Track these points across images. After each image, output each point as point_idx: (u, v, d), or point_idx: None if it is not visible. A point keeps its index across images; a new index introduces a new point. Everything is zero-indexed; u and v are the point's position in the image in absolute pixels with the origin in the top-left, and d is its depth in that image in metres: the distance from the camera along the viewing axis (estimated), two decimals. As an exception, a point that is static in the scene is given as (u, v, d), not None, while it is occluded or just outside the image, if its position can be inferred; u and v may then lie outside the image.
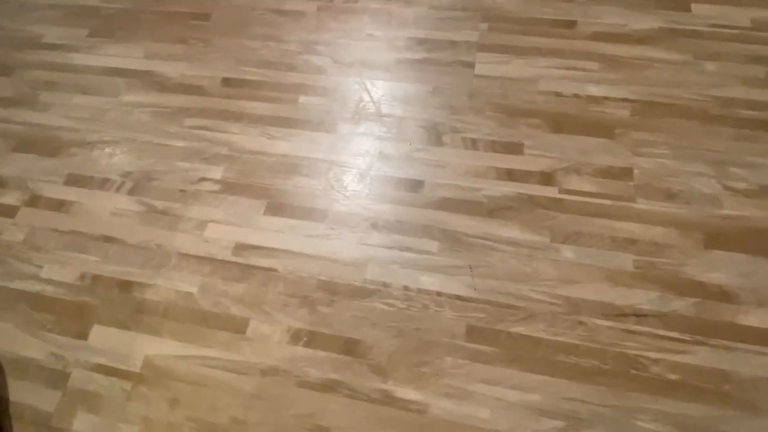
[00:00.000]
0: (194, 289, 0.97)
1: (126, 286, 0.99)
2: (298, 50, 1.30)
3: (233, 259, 1.00)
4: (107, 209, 1.09)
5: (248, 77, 1.27)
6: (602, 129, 1.09)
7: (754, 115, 1.07)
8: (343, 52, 1.28)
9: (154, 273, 1.00)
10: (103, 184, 1.13)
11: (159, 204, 1.09)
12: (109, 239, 1.05)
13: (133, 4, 1.46)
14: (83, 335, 0.95)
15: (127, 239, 1.05)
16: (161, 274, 1.00)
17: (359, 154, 1.12)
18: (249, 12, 1.40)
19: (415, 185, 1.06)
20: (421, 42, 1.27)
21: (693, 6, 1.24)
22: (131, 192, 1.11)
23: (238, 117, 1.20)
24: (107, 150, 1.19)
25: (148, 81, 1.30)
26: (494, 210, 1.00)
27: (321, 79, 1.24)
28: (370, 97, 1.20)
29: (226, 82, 1.27)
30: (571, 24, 1.25)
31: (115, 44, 1.38)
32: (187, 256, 1.01)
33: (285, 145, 1.15)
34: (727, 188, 0.99)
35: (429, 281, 0.93)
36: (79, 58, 1.37)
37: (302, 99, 1.21)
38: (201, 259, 1.01)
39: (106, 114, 1.25)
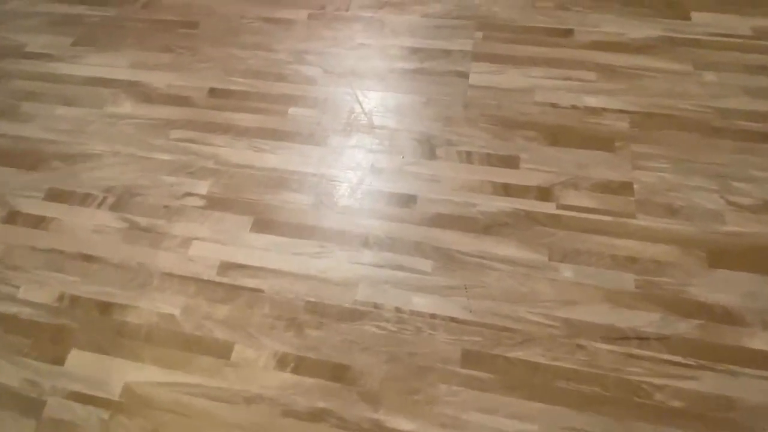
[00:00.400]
0: (177, 311, 0.93)
1: (106, 307, 0.95)
2: (287, 60, 1.26)
3: (218, 279, 0.96)
4: (88, 226, 1.05)
5: (236, 87, 1.23)
6: (601, 141, 1.05)
7: (756, 127, 1.04)
8: (334, 62, 1.25)
9: (135, 294, 0.96)
10: (85, 199, 1.09)
11: (142, 221, 1.05)
12: (89, 258, 1.01)
13: (119, 11, 1.42)
14: (60, 360, 0.90)
15: (109, 258, 1.01)
16: (143, 295, 0.95)
17: (350, 168, 1.08)
18: (238, 20, 1.36)
19: (408, 200, 1.02)
20: (415, 51, 1.24)
21: (693, 14, 1.21)
22: (113, 208, 1.07)
23: (225, 129, 1.16)
24: (89, 164, 1.15)
25: (133, 91, 1.26)
26: (490, 226, 0.97)
27: (311, 90, 1.21)
28: (362, 108, 1.17)
29: (214, 92, 1.23)
30: (568, 33, 1.22)
31: (99, 53, 1.34)
32: (170, 275, 0.97)
33: (273, 158, 1.11)
34: (730, 203, 0.95)
35: (422, 302, 0.90)
36: (62, 68, 1.33)
37: (291, 110, 1.18)
38: (185, 279, 0.96)
39: (90, 126, 1.21)
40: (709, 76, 1.11)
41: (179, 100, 1.22)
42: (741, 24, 1.20)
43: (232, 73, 1.26)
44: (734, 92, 1.09)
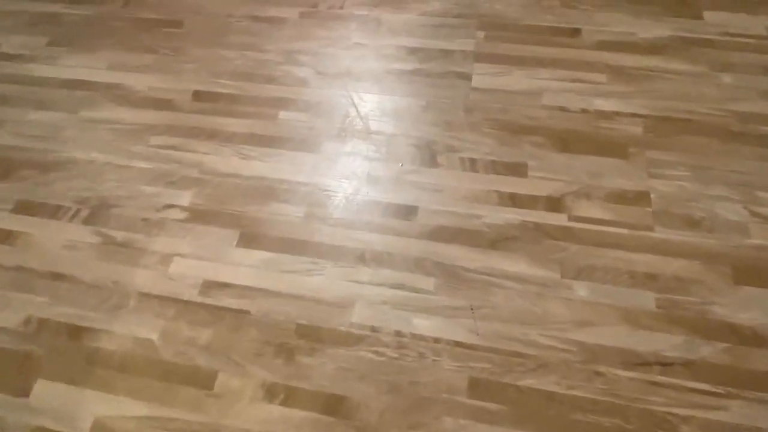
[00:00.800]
0: (155, 336, 0.84)
1: (76, 332, 0.86)
2: (278, 60, 1.19)
3: (200, 299, 0.87)
4: (59, 241, 0.96)
5: (223, 90, 1.15)
6: (614, 148, 0.98)
7: (778, 131, 0.97)
8: (328, 63, 1.17)
9: (109, 317, 0.87)
10: (56, 212, 1.00)
11: (118, 235, 0.96)
12: (59, 277, 0.92)
13: (99, 10, 1.34)
14: (25, 391, 0.82)
15: (81, 276, 0.92)
16: (118, 318, 0.87)
17: (345, 177, 1.00)
18: (225, 19, 1.28)
19: (408, 212, 0.94)
20: (413, 51, 1.16)
21: (705, 14, 1.15)
22: (87, 221, 0.98)
23: (211, 134, 1.08)
24: (63, 173, 1.06)
25: (111, 95, 1.17)
26: (497, 240, 0.89)
27: (303, 93, 1.13)
28: (358, 112, 1.09)
29: (198, 95, 1.15)
30: (575, 32, 1.16)
31: (77, 54, 1.26)
32: (148, 296, 0.89)
33: (262, 166, 1.03)
34: (754, 214, 0.89)
35: (425, 325, 0.82)
36: (37, 70, 1.25)
37: (282, 114, 1.10)
38: (164, 299, 0.88)
39: (63, 131, 1.12)
40: (726, 78, 1.05)
41: (161, 104, 1.14)
42: (755, 23, 1.14)
43: (218, 75, 1.18)
44: (752, 95, 1.03)
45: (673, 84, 1.06)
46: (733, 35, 1.12)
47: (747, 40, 1.12)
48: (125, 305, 0.88)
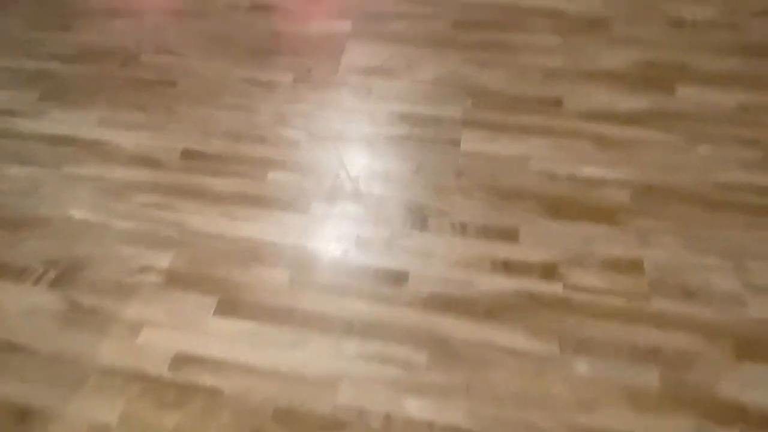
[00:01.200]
0: (114, 419, 0.75)
1: (24, 415, 0.76)
2: (269, 122, 1.20)
3: (170, 375, 0.79)
4: (19, 307, 0.89)
5: (212, 150, 1.14)
6: (603, 214, 0.99)
7: (760, 201, 1.00)
8: (320, 125, 1.19)
9: (64, 395, 0.78)
10: (21, 273, 0.93)
11: (86, 300, 0.89)
12: (13, 348, 0.83)
13: (96, 69, 1.35)
14: (-49, 489, 0.70)
15: (38, 348, 0.83)
16: (74, 398, 0.77)
17: (333, 239, 0.97)
18: (220, 80, 1.31)
19: (398, 278, 0.91)
20: (404, 117, 1.19)
21: (678, 87, 1.22)
22: (54, 284, 0.92)
23: (197, 194, 1.06)
24: (35, 231, 1.00)
25: (97, 151, 1.15)
26: (492, 310, 0.85)
27: (294, 154, 1.13)
28: (348, 174, 1.09)
29: (187, 154, 1.13)
30: (558, 102, 1.21)
31: (66, 110, 1.25)
32: (111, 371, 0.80)
33: (248, 227, 0.99)
34: (747, 285, 0.88)
35: (417, 407, 0.75)
36: (23, 124, 1.23)
37: (271, 175, 1.09)
38: (129, 375, 0.80)
39: (42, 187, 1.08)
40: (703, 149, 1.09)
41: (148, 162, 1.12)
42: (726, 98, 1.21)
43: (208, 135, 1.17)
44: (730, 165, 1.06)
45: (654, 153, 1.09)
46: (706, 109, 1.19)
47: (720, 113, 1.18)
48: (84, 382, 0.79)
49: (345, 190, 1.06)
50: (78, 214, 1.03)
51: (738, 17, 1.37)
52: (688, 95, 1.20)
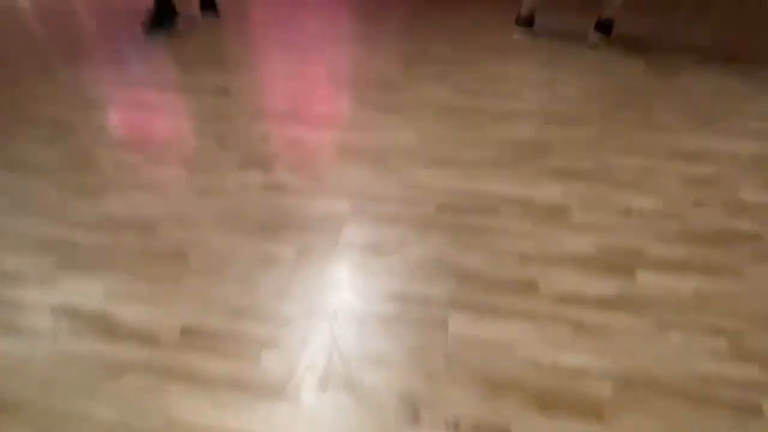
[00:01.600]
0: None
1: None
2: (269, 297, 1.27)
3: None
4: None
5: (211, 326, 1.18)
6: (589, 409, 1.01)
7: (735, 395, 1.04)
8: (316, 302, 1.26)
9: None
10: (-19, 477, 0.86)
11: None
12: None
13: (114, 238, 1.47)
14: None
15: None
16: None
17: (324, 436, 0.95)
18: (229, 253, 1.43)
19: (390, 487, 0.86)
20: (395, 296, 1.28)
21: (638, 272, 1.37)
22: (14, 492, 0.84)
23: (189, 377, 1.06)
24: (6, 417, 0.96)
25: (96, 325, 1.18)
26: None
27: (289, 333, 1.17)
28: (341, 355, 1.12)
29: (186, 331, 1.17)
30: (534, 285, 1.33)
31: (76, 278, 1.32)
32: None
33: (235, 419, 0.97)
34: (746, 500, 0.86)
35: None
36: (29, 294, 1.28)
37: (264, 355, 1.11)
38: None
39: (26, 367, 1.07)
40: (674, 337, 1.18)
41: (146, 338, 1.14)
42: (683, 285, 1.35)
43: (210, 310, 1.23)
44: (703, 356, 1.14)
45: (628, 341, 1.17)
46: (665, 295, 1.32)
47: (682, 300, 1.30)
48: None
49: (337, 375, 1.07)
50: (60, 403, 1.00)
51: (680, 207, 1.63)
52: (648, 281, 1.35)
